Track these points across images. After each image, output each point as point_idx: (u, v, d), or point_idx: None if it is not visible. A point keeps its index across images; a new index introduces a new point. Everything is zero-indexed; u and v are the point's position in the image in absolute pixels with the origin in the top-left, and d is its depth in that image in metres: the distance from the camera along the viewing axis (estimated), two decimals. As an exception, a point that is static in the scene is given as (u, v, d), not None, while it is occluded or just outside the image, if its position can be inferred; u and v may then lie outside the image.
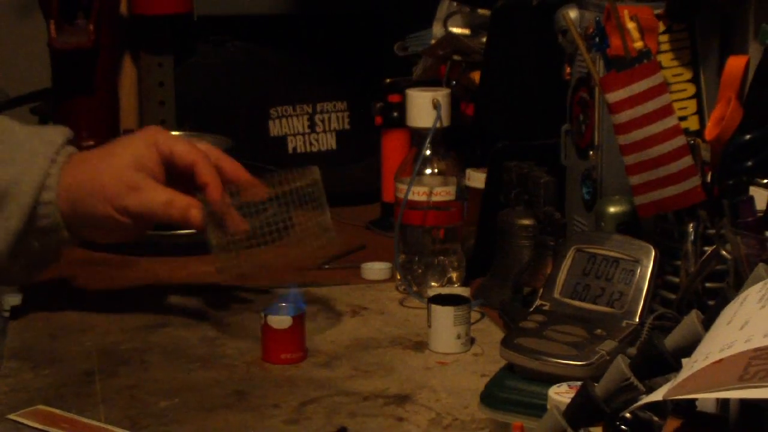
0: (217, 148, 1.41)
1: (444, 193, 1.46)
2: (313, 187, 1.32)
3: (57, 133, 1.37)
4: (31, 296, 1.49)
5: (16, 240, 1.32)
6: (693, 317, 0.85)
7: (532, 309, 1.20)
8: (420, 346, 1.33)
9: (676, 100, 1.30)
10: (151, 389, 1.22)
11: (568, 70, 1.43)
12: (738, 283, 0.97)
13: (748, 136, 1.14)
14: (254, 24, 2.06)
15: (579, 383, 0.94)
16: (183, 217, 1.32)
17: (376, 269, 1.55)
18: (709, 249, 1.19)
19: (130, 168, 1.33)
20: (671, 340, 0.85)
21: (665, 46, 1.34)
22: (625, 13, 1.23)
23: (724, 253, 1.15)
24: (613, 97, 1.21)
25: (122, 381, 1.24)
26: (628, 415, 0.85)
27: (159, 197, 1.32)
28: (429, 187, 1.46)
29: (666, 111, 1.20)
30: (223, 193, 1.34)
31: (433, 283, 1.47)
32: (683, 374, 0.79)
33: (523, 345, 1.13)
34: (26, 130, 1.37)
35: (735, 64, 1.18)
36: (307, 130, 1.97)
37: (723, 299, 0.84)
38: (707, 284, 1.20)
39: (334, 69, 2.02)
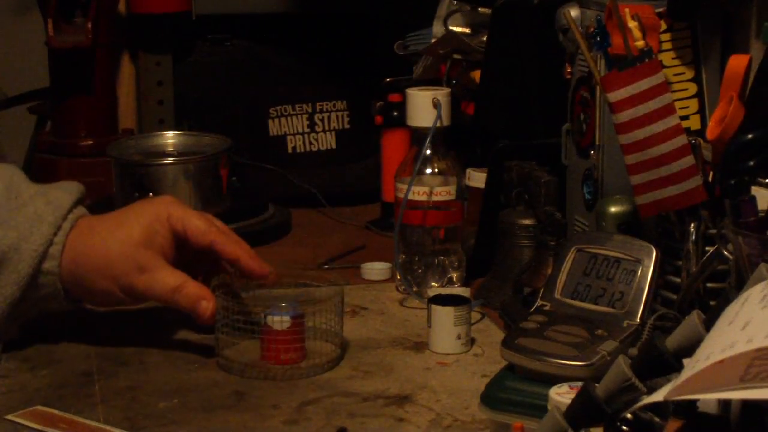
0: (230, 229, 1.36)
1: (444, 192, 1.46)
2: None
3: (65, 195, 1.29)
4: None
5: (11, 307, 1.26)
6: (694, 317, 0.84)
7: (532, 309, 1.19)
8: (420, 346, 1.33)
9: (677, 100, 1.30)
10: (150, 390, 1.21)
11: (569, 69, 1.43)
12: (739, 284, 0.96)
13: (749, 136, 1.13)
14: (253, 23, 2.06)
15: (580, 384, 0.93)
16: (192, 307, 1.26)
17: (376, 269, 1.55)
18: (710, 249, 1.19)
19: (140, 245, 1.26)
20: (672, 341, 0.84)
21: (667, 45, 1.34)
22: (627, 12, 1.23)
23: (725, 253, 1.14)
24: (615, 96, 1.21)
25: (121, 381, 1.23)
26: (629, 415, 0.85)
27: (169, 282, 1.26)
28: (429, 187, 1.46)
29: (667, 110, 1.20)
30: (260, 261, 1.29)
31: (433, 283, 1.46)
32: (684, 375, 0.78)
33: (523, 345, 1.12)
34: (33, 189, 1.29)
35: (737, 63, 1.17)
36: (306, 130, 1.97)
37: (724, 299, 0.84)
38: (708, 284, 1.20)
39: (334, 68, 2.02)
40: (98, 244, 1.27)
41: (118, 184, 1.72)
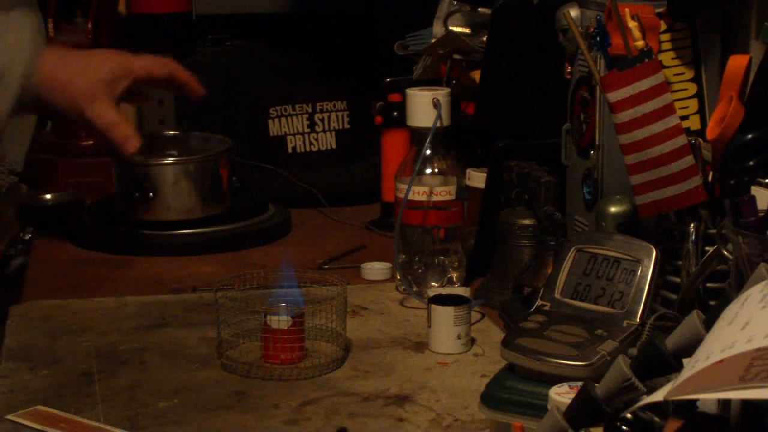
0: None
1: (444, 192, 1.46)
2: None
3: (30, 22, 1.50)
4: (29, 296, 1.49)
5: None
6: (694, 317, 0.84)
7: (532, 309, 1.19)
8: (420, 346, 1.33)
9: (677, 100, 1.30)
10: (150, 390, 1.21)
11: (568, 69, 1.43)
12: (739, 284, 0.96)
13: (749, 136, 1.13)
14: (254, 23, 2.06)
15: (580, 383, 0.93)
16: (122, 141, 1.49)
17: (376, 269, 1.55)
18: (710, 249, 1.19)
19: (102, 84, 1.49)
20: (672, 341, 0.84)
21: (666, 45, 1.34)
22: (627, 12, 1.23)
23: (725, 253, 1.14)
24: (614, 96, 1.21)
25: (121, 381, 1.23)
26: (628, 415, 0.85)
27: (112, 117, 1.49)
28: (429, 187, 1.46)
29: (667, 110, 1.20)
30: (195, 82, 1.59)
31: (433, 283, 1.46)
32: (684, 375, 0.78)
33: (523, 345, 1.12)
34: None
35: (736, 63, 1.17)
36: (306, 130, 1.97)
37: (724, 299, 0.84)
38: (708, 284, 1.20)
39: (334, 68, 2.02)
40: (69, 73, 1.50)
41: (118, 183, 1.72)
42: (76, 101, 1.50)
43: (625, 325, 1.14)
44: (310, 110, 1.97)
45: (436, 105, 1.46)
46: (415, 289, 1.46)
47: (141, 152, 1.68)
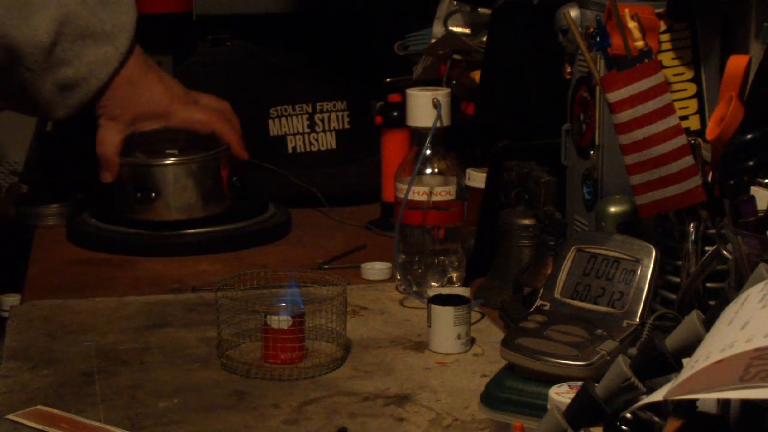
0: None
1: (444, 192, 1.46)
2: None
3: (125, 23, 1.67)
4: (29, 296, 1.49)
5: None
6: (694, 317, 0.84)
7: (532, 309, 1.19)
8: (420, 346, 1.33)
9: (677, 100, 1.30)
10: (150, 389, 1.21)
11: (568, 69, 1.43)
12: (739, 283, 0.97)
13: (749, 136, 1.13)
14: (254, 23, 2.06)
15: (579, 383, 0.93)
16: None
17: (376, 269, 1.55)
18: (710, 249, 1.19)
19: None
20: (672, 340, 0.84)
21: (666, 45, 1.34)
22: (626, 12, 1.23)
23: (725, 253, 1.14)
24: (614, 96, 1.21)
25: (122, 381, 1.23)
26: (628, 415, 0.85)
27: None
28: (429, 187, 1.46)
29: (667, 110, 1.20)
30: (241, 148, 1.76)
31: (433, 283, 1.46)
32: (684, 374, 0.78)
33: (523, 345, 1.12)
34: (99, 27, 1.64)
35: (736, 63, 1.17)
36: (306, 130, 1.97)
37: (724, 299, 0.84)
38: (708, 284, 1.20)
39: (334, 68, 2.02)
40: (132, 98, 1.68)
41: (119, 183, 1.72)
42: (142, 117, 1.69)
43: (624, 325, 1.14)
44: (310, 110, 1.97)
45: (436, 105, 1.46)
46: (415, 289, 1.46)
47: (142, 151, 1.74)
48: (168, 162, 1.71)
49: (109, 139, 1.68)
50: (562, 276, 1.20)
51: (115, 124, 1.68)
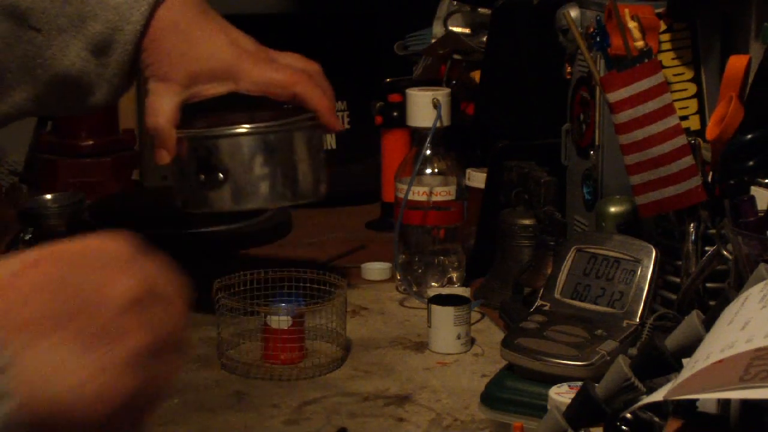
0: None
1: (444, 193, 1.46)
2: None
3: None
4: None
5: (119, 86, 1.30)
6: (694, 317, 0.84)
7: (532, 309, 1.20)
8: (420, 346, 1.33)
9: (677, 100, 1.30)
10: (150, 389, 1.21)
11: (568, 69, 1.43)
12: (739, 283, 0.96)
13: (749, 136, 1.13)
14: (253, 23, 2.05)
15: (579, 383, 0.93)
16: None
17: (376, 269, 1.55)
18: (710, 249, 1.19)
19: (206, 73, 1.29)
20: (672, 341, 0.84)
21: (666, 46, 1.34)
22: (626, 12, 1.23)
23: (725, 253, 1.14)
24: (614, 96, 1.21)
25: (121, 381, 1.23)
26: (628, 415, 0.85)
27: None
28: (429, 187, 1.46)
29: (667, 110, 1.20)
30: (334, 118, 1.33)
31: (433, 283, 1.46)
32: (684, 374, 0.78)
33: (523, 345, 1.12)
34: None
35: (736, 63, 1.17)
36: (307, 130, 1.96)
37: (724, 299, 0.84)
38: (708, 284, 1.20)
39: (334, 68, 2.02)
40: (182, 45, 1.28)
41: (177, 165, 1.31)
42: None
43: (625, 325, 1.14)
44: (310, 110, 1.96)
45: (436, 105, 1.46)
46: (415, 289, 1.46)
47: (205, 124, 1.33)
48: (240, 131, 1.29)
49: (161, 105, 1.27)
50: (562, 276, 1.20)
51: (166, 86, 1.28)
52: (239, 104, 1.33)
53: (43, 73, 1.27)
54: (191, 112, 1.30)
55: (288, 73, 1.30)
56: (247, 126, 1.29)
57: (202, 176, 1.28)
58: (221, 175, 1.27)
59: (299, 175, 1.31)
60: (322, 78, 1.34)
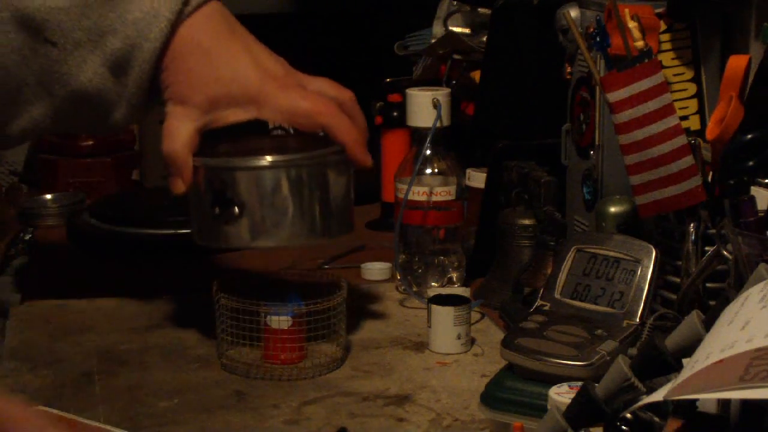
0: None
1: (444, 192, 1.46)
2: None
3: None
4: (30, 296, 1.49)
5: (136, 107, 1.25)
6: (694, 317, 0.84)
7: (532, 309, 1.20)
8: (420, 346, 1.33)
9: (677, 100, 1.30)
10: (150, 390, 1.21)
11: (568, 69, 1.43)
12: (739, 284, 0.96)
13: (749, 136, 1.13)
14: (253, 23, 2.06)
15: (579, 383, 0.94)
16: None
17: (376, 269, 1.55)
18: (710, 249, 1.19)
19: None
20: (672, 341, 0.84)
21: (666, 45, 1.34)
22: (626, 12, 1.23)
23: (725, 253, 1.14)
24: (614, 96, 1.21)
25: (122, 381, 1.23)
26: (628, 415, 0.85)
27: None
28: (429, 187, 1.46)
29: (667, 110, 1.20)
30: (363, 151, 1.25)
31: (433, 283, 1.46)
32: (684, 374, 0.78)
33: (523, 345, 1.12)
34: None
35: (736, 63, 1.17)
36: (307, 130, 1.96)
37: (724, 299, 0.84)
38: (708, 284, 1.20)
39: (334, 68, 2.02)
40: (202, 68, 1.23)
41: (194, 194, 1.25)
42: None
43: (625, 325, 1.14)
44: (310, 110, 1.96)
45: (436, 105, 1.46)
46: (415, 289, 1.46)
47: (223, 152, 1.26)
48: (261, 164, 1.22)
49: (179, 131, 1.21)
50: (562, 276, 1.20)
51: (185, 110, 1.22)
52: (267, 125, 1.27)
53: (61, 88, 1.24)
54: (215, 132, 1.24)
55: (316, 101, 1.23)
56: (268, 159, 1.21)
57: (217, 209, 1.21)
58: (237, 210, 1.21)
59: (322, 213, 1.23)
60: (354, 107, 1.27)
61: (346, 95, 1.27)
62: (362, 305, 1.45)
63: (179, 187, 1.22)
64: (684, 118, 1.32)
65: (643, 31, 1.22)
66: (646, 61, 1.20)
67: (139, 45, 1.20)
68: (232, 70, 1.22)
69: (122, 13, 1.20)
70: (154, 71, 1.22)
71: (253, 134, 1.25)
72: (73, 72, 1.22)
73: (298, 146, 1.25)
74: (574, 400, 0.87)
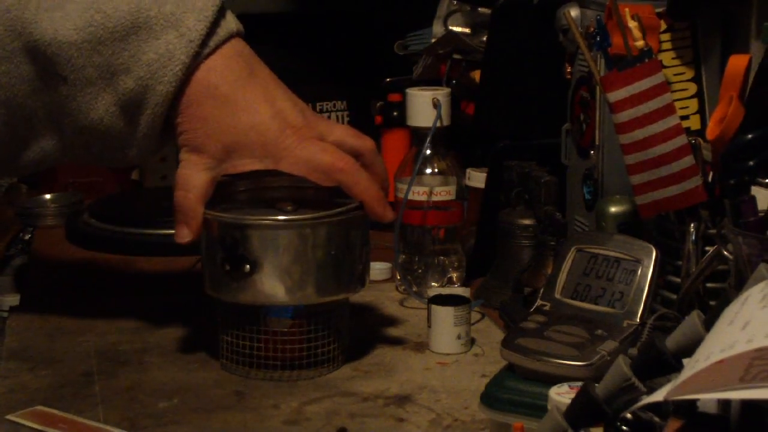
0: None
1: (444, 192, 1.46)
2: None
3: (197, 21, 1.19)
4: (29, 296, 1.49)
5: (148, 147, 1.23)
6: (694, 317, 0.84)
7: (532, 309, 1.19)
8: (420, 346, 1.33)
9: (677, 100, 1.30)
10: (150, 390, 1.21)
11: (568, 69, 1.43)
12: (739, 284, 0.96)
13: (749, 136, 1.13)
14: (253, 23, 2.06)
15: (580, 384, 0.93)
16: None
17: (376, 269, 1.55)
18: (710, 249, 1.19)
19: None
20: (672, 341, 0.84)
21: (667, 45, 1.34)
22: (627, 12, 1.23)
23: (725, 253, 1.14)
24: (614, 96, 1.21)
25: (121, 382, 1.23)
26: (629, 415, 0.85)
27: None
28: (429, 187, 1.46)
29: (667, 110, 1.20)
30: (384, 207, 1.24)
31: (433, 283, 1.46)
32: (684, 375, 0.78)
33: (523, 345, 1.12)
34: (163, 16, 1.19)
35: (737, 63, 1.17)
36: (307, 130, 1.96)
37: (724, 299, 0.84)
38: (708, 284, 1.20)
39: (334, 68, 2.02)
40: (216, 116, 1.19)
41: (206, 247, 1.23)
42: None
43: (625, 325, 1.14)
44: (310, 110, 1.96)
45: (436, 105, 1.46)
46: (415, 289, 1.46)
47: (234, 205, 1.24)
48: (275, 222, 1.19)
49: (193, 180, 1.19)
50: (562, 276, 1.20)
51: (199, 159, 1.19)
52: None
53: (70, 123, 1.22)
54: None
55: (334, 156, 1.20)
56: (282, 218, 1.19)
57: (227, 266, 1.19)
58: (248, 267, 1.18)
59: (336, 272, 1.21)
60: (374, 158, 1.25)
61: (367, 145, 1.25)
62: (362, 305, 1.44)
63: (185, 236, 1.21)
64: (684, 117, 1.32)
65: (643, 30, 1.22)
66: (647, 60, 1.20)
67: (152, 87, 1.18)
68: (249, 119, 1.19)
69: (136, 52, 1.17)
70: (168, 112, 1.20)
71: (270, 172, 1.23)
72: (83, 108, 1.20)
73: (315, 193, 1.24)
74: (574, 400, 0.87)
